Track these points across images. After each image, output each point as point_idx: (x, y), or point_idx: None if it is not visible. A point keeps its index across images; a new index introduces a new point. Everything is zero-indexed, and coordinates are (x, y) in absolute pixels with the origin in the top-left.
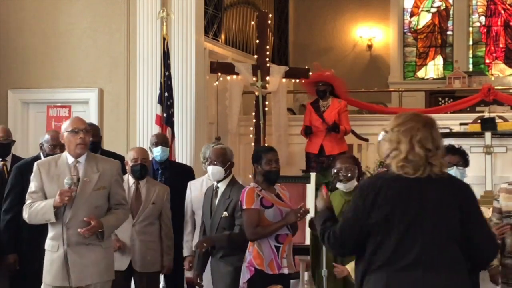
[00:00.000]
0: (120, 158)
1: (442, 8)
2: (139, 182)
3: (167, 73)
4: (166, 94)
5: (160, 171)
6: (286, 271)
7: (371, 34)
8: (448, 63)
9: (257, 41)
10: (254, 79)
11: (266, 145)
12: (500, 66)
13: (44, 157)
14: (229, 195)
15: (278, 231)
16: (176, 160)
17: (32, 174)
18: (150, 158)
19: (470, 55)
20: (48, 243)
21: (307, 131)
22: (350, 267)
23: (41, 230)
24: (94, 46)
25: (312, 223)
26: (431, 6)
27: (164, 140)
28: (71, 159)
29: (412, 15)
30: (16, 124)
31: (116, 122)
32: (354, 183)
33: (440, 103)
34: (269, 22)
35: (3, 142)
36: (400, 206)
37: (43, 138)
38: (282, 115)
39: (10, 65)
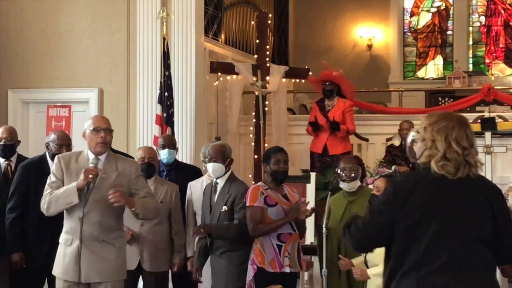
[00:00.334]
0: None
1: (442, 8)
2: (147, 181)
3: (167, 73)
4: (166, 94)
5: (165, 173)
6: (287, 270)
7: (371, 34)
8: (448, 63)
9: (257, 41)
10: (254, 79)
11: (276, 145)
12: (500, 66)
13: (50, 157)
14: (228, 190)
15: (280, 230)
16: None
17: (53, 167)
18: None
19: (470, 55)
20: (63, 237)
21: (314, 127)
22: (356, 261)
23: (45, 229)
24: (94, 46)
25: (318, 226)
26: (431, 6)
27: (171, 142)
28: (91, 156)
29: (412, 15)
30: (16, 124)
31: (116, 122)
32: (358, 183)
33: (440, 103)
34: (269, 22)
35: (7, 143)
36: (433, 206)
37: (49, 137)
38: (282, 115)
39: (10, 65)
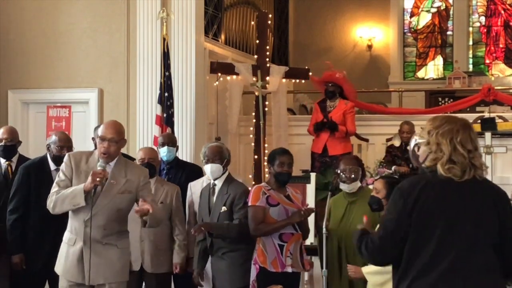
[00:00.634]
0: (132, 160)
1: (442, 8)
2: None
3: (167, 73)
4: (166, 94)
5: (165, 171)
6: (289, 269)
7: (371, 34)
8: (448, 63)
9: (257, 41)
10: (254, 79)
11: (281, 147)
12: (500, 66)
13: (51, 158)
14: (227, 191)
15: (282, 230)
16: None
17: (63, 164)
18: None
19: (470, 55)
20: (66, 235)
21: (316, 128)
22: (365, 271)
23: (46, 230)
24: (94, 46)
25: (319, 226)
26: (431, 6)
27: (170, 140)
28: (98, 164)
29: (412, 15)
30: (16, 124)
31: None
32: (358, 184)
33: (440, 103)
34: (269, 22)
35: (8, 144)
36: (441, 209)
37: (50, 139)
38: (282, 115)
39: (10, 65)
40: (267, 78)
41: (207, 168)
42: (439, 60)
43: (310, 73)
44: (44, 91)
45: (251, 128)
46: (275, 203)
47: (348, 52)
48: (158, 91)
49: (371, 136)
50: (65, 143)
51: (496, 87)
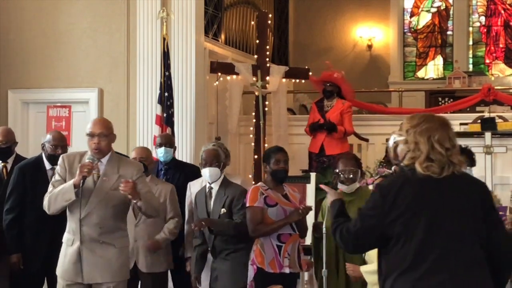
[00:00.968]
0: None
1: (442, 8)
2: None
3: (167, 73)
4: (166, 94)
5: (162, 171)
6: (287, 270)
7: (371, 34)
8: (448, 63)
9: (257, 41)
10: (254, 79)
11: (276, 145)
12: (500, 66)
13: (46, 157)
14: (225, 193)
15: (280, 230)
16: None
17: (58, 166)
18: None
19: (470, 55)
20: (65, 236)
21: (312, 128)
22: (363, 270)
23: (42, 229)
24: (94, 46)
25: (315, 227)
26: (431, 6)
27: (168, 141)
28: (86, 158)
29: (412, 15)
30: (16, 124)
31: (116, 122)
32: (356, 185)
33: (440, 103)
34: (269, 22)
35: (2, 146)
36: (421, 206)
37: (45, 138)
38: (282, 115)
39: (10, 65)
40: (267, 78)
41: (205, 172)
42: (439, 60)
43: (310, 73)
44: (44, 91)
45: (251, 128)
46: (273, 204)
47: (348, 52)
48: (158, 91)
49: (371, 136)
50: (59, 142)
51: (496, 87)
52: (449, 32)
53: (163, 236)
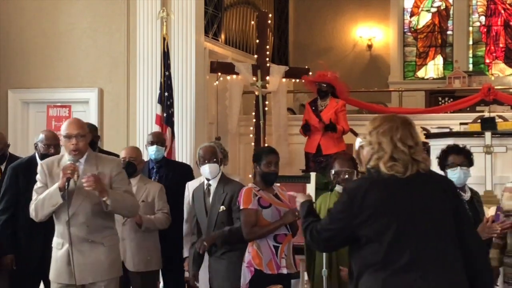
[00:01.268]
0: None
1: (442, 8)
2: (131, 181)
3: (167, 73)
4: (166, 94)
5: (154, 170)
6: (285, 271)
7: (371, 34)
8: (448, 63)
9: (257, 41)
10: (254, 79)
11: (267, 145)
12: (500, 66)
13: (39, 157)
14: (223, 190)
15: (276, 231)
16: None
17: (38, 174)
18: (146, 157)
19: (470, 55)
20: (54, 241)
21: (305, 128)
22: None
23: (36, 230)
24: (94, 46)
25: None
26: (431, 6)
27: (159, 139)
28: (67, 159)
29: (412, 15)
30: (16, 124)
31: (116, 122)
32: None
33: (440, 103)
34: (269, 22)
35: None
36: (388, 207)
37: (37, 137)
38: (282, 115)
39: (10, 65)
40: (267, 77)
41: (205, 169)
42: (439, 59)
43: (310, 73)
44: (44, 91)
45: (251, 128)
46: (267, 205)
47: (348, 52)
48: (158, 91)
49: None
50: (52, 141)
51: (496, 87)
52: (449, 32)
53: (146, 217)
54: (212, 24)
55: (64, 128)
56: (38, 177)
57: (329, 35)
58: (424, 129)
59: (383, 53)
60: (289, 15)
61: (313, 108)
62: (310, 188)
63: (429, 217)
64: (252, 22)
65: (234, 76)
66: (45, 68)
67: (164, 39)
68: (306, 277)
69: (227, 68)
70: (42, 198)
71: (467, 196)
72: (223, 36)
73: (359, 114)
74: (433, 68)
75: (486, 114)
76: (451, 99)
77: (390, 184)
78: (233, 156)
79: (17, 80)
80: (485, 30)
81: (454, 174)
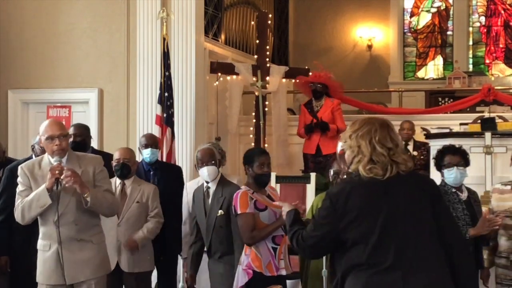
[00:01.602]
0: (111, 157)
1: (442, 8)
2: (125, 182)
3: (167, 73)
4: (166, 94)
5: (152, 172)
6: (284, 272)
7: (371, 34)
8: (448, 63)
9: (257, 41)
10: (254, 79)
11: (257, 147)
12: (500, 66)
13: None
14: (222, 194)
15: (275, 232)
16: (177, 161)
17: (19, 177)
18: (140, 159)
19: (470, 55)
20: (40, 243)
21: (307, 130)
22: None
23: (32, 231)
24: (94, 46)
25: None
26: (431, 6)
27: (154, 142)
28: (53, 160)
29: (412, 15)
30: (16, 124)
31: (116, 122)
32: None
33: (440, 103)
34: (269, 22)
35: None
36: (370, 209)
37: (34, 139)
38: (282, 115)
39: (10, 65)
40: (267, 78)
41: (203, 172)
42: (439, 60)
43: (310, 73)
44: (44, 91)
45: (251, 128)
46: (263, 208)
47: (348, 52)
48: (158, 91)
49: None
50: None
51: (496, 87)
52: (449, 32)
53: (140, 235)
54: (212, 24)
55: (45, 130)
56: (19, 180)
57: (329, 35)
58: (424, 129)
59: (383, 54)
60: (289, 15)
61: (309, 109)
62: (310, 189)
63: (410, 217)
64: (252, 22)
65: (234, 76)
66: (45, 68)
67: (164, 39)
68: None
69: (227, 69)
70: (29, 200)
71: (464, 196)
72: (223, 36)
73: (359, 114)
74: (433, 69)
75: (486, 115)
76: (451, 100)
77: (370, 187)
78: (233, 156)
79: (17, 80)
80: (485, 30)
81: (450, 174)
